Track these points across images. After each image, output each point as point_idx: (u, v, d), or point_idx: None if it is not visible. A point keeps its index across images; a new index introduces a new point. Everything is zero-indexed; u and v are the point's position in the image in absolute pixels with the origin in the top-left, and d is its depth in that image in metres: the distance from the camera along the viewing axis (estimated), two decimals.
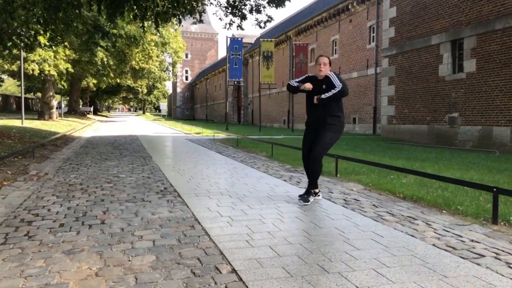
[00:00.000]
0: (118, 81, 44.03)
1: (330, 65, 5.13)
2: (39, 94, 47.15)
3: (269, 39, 25.20)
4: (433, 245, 3.30)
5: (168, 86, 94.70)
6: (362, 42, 24.58)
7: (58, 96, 54.78)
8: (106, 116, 62.95)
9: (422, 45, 15.33)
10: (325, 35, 28.94)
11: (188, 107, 77.03)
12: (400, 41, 16.54)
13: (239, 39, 23.01)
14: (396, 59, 16.79)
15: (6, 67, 22.09)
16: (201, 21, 14.44)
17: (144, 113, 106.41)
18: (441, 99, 14.56)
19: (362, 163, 6.78)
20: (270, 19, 13.63)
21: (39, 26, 14.00)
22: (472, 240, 3.47)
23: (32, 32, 14.08)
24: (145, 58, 28.86)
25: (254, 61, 42.44)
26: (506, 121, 12.17)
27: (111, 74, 36.72)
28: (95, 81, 40.55)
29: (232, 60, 22.31)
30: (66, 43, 21.00)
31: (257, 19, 13.59)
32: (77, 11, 14.04)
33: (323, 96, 4.79)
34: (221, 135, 18.97)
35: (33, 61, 20.48)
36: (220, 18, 14.67)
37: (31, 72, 20.70)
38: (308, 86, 4.91)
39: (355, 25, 25.28)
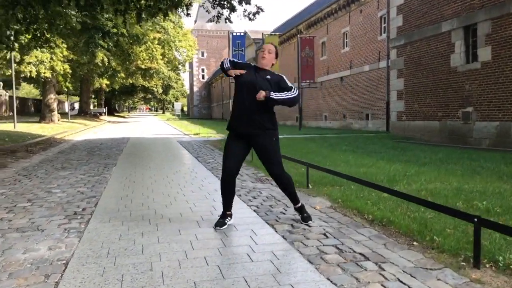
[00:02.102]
0: (131, 81, 43.72)
1: (276, 57, 4.04)
2: (59, 96, 47.36)
3: (272, 33, 24.03)
4: None
5: (186, 86, 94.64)
6: (373, 33, 23.15)
7: (72, 98, 55.03)
8: (123, 117, 62.91)
9: (431, 33, 13.93)
10: (335, 28, 27.59)
11: (205, 106, 76.50)
12: (409, 30, 15.15)
13: (242, 34, 21.92)
14: (405, 49, 15.41)
15: (2, 71, 21.63)
16: (188, 15, 13.48)
17: (163, 112, 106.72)
18: (453, 92, 13.15)
19: (330, 173, 5.65)
20: (260, 10, 12.56)
21: (19, 25, 13.33)
22: None
23: (13, 32, 13.40)
24: (149, 57, 28.13)
25: None
26: None
27: (122, 75, 36.36)
28: (107, 82, 40.31)
29: (235, 56, 21.20)
30: (63, 44, 20.45)
31: (246, 10, 12.51)
32: (58, 8, 13.28)
33: (274, 95, 3.69)
34: (219, 136, 17.98)
35: (29, 63, 19.97)
36: (207, 11, 13.58)
37: (28, 74, 20.18)
38: (235, 72, 3.84)
39: (365, 16, 23.86)
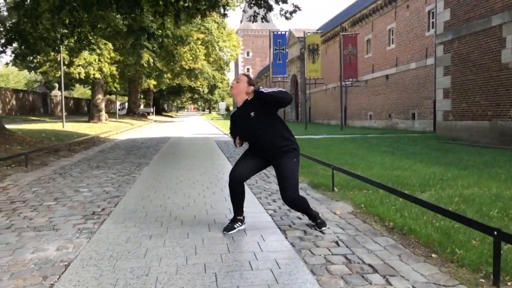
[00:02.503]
0: (178, 82, 44.71)
1: (250, 84, 3.70)
2: (110, 97, 49.37)
3: (315, 32, 23.62)
4: None
5: None
6: (420, 29, 22.20)
7: (123, 98, 57.05)
8: (171, 117, 64.46)
9: (481, 28, 13.09)
10: (381, 24, 26.72)
11: None
12: (456, 24, 14.34)
13: (283, 32, 21.73)
14: (452, 45, 14.61)
15: (52, 73, 22.73)
16: (225, 15, 13.51)
17: (210, 112, 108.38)
18: (505, 90, 12.29)
19: (352, 176, 5.39)
20: (297, 8, 12.33)
21: (64, 29, 13.92)
22: None
23: (58, 36, 14.02)
24: (192, 57, 28.58)
25: None
26: None
27: (169, 75, 37.24)
28: (154, 82, 41.43)
29: (276, 56, 21.07)
30: (106, 46, 21.18)
31: (282, 9, 12.34)
32: (100, 12, 13.75)
33: (262, 89, 3.54)
34: None
35: (78, 65, 20.85)
36: (244, 10, 13.54)
37: (77, 76, 21.09)
38: (238, 142, 3.80)
39: (412, 11, 22.92)
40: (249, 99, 3.64)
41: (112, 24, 18.70)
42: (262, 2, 12.61)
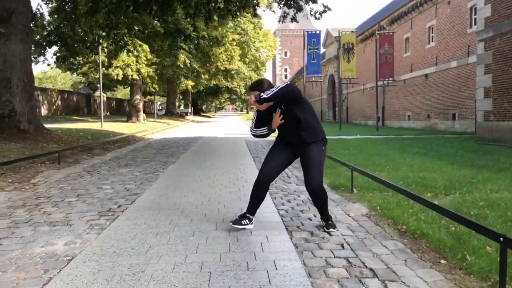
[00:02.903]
0: (215, 82, 45.22)
1: (261, 90, 3.70)
2: (149, 97, 50.70)
3: (350, 31, 23.19)
4: None
5: None
6: (462, 26, 21.32)
7: (161, 99, 58.29)
8: (208, 117, 65.33)
9: None
10: (420, 22, 25.89)
11: None
12: (497, 20, 13.67)
13: (317, 32, 21.48)
14: (493, 42, 13.93)
15: (92, 74, 23.55)
16: (255, 15, 13.52)
17: (247, 112, 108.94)
18: None
19: (370, 178, 5.22)
20: (326, 9, 12.16)
21: (101, 31, 14.41)
22: None
23: (96, 37, 14.52)
24: (227, 58, 28.82)
25: None
26: None
27: (206, 76, 37.76)
28: (192, 83, 42.11)
29: (310, 55, 20.87)
30: (142, 47, 21.72)
31: (312, 9, 12.20)
32: (136, 14, 14.12)
33: (263, 94, 3.54)
34: None
35: (116, 66, 21.51)
36: (273, 11, 13.52)
37: (115, 77, 21.76)
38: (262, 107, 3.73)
39: (453, 7, 22.06)
40: (254, 101, 3.63)
41: (149, 26, 19.20)
42: (292, 2, 12.53)
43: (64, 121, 23.05)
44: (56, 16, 14.80)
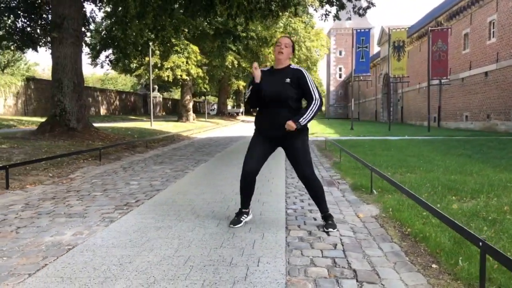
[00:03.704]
0: None
1: (293, 51, 3.83)
2: (209, 98, 51.98)
3: (401, 28, 22.37)
4: None
5: (324, 85, 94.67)
6: None
7: (213, 99, 59.38)
8: None
9: None
10: (480, 16, 24.48)
11: (341, 105, 75.41)
12: None
13: (366, 30, 20.96)
14: None
15: (146, 76, 24.52)
16: (296, 14, 13.46)
17: None
18: None
19: (381, 178, 5.06)
20: (370, 4, 11.86)
21: (150, 33, 15.02)
22: None
23: (145, 39, 15.15)
24: None
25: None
26: None
27: None
28: (243, 84, 42.67)
29: (359, 54, 20.40)
30: (196, 49, 22.30)
31: (355, 6, 11.94)
32: (182, 16, 14.58)
33: (301, 120, 3.55)
34: (335, 136, 17.53)
35: (167, 68, 22.28)
36: (315, 9, 13.38)
37: (166, 78, 22.55)
38: (257, 74, 3.66)
39: None
40: (295, 128, 3.55)
41: (198, 27, 19.72)
42: (334, 0, 12.35)
43: (120, 120, 24.23)
44: (108, 20, 15.64)
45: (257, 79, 3.65)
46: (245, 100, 3.86)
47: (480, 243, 2.26)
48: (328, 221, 3.76)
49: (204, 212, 4.44)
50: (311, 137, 16.97)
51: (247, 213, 3.89)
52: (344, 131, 21.63)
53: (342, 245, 3.33)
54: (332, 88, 76.00)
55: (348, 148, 9.47)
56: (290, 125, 3.51)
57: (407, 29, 23.02)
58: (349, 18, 13.69)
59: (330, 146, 11.87)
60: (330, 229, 3.66)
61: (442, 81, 20.24)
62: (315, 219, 4.11)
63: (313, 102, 3.61)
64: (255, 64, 3.77)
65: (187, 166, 8.21)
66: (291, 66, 3.75)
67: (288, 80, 3.64)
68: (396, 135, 17.29)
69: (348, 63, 73.44)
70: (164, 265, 2.89)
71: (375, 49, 72.21)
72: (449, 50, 22.15)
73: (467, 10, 26.02)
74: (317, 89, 3.70)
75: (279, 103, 3.63)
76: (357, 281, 2.63)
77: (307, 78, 3.67)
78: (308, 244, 3.35)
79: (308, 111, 3.59)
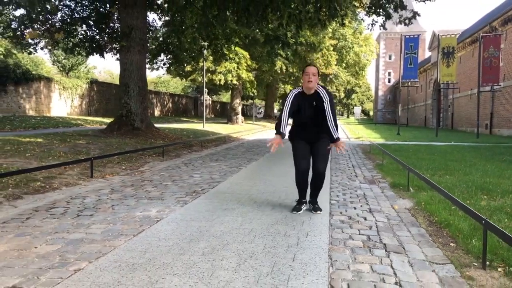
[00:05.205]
0: None
1: (318, 75, 4.50)
2: (256, 101, 53.17)
3: (451, 34, 22.25)
4: None
5: (373, 90, 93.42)
6: None
7: (257, 101, 60.29)
8: None
9: None
10: None
11: (390, 111, 74.07)
12: None
13: (415, 36, 21.09)
14: None
15: (199, 80, 25.83)
16: (343, 24, 14.04)
17: (348, 116, 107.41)
18: None
19: (414, 175, 5.64)
20: (416, 14, 12.28)
21: (203, 42, 16.13)
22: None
23: (199, 47, 16.29)
24: (324, 63, 29.37)
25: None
26: None
27: None
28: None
29: (407, 59, 20.60)
30: (246, 55, 23.31)
31: (401, 15, 12.39)
32: (233, 25, 15.57)
33: (337, 135, 4.42)
34: (380, 140, 17.87)
35: (219, 72, 23.45)
36: (362, 19, 13.90)
37: (218, 82, 23.73)
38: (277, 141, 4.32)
39: None
40: (314, 103, 4.39)
41: (249, 35, 20.70)
42: (380, 11, 12.85)
43: (173, 122, 25.69)
44: (166, 28, 16.94)
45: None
46: (276, 122, 4.55)
47: (483, 221, 2.90)
48: (315, 205, 4.57)
49: (259, 199, 5.24)
50: (356, 141, 17.53)
51: (306, 203, 4.66)
52: (390, 136, 21.83)
53: (377, 227, 4.02)
54: (380, 92, 74.90)
55: (392, 152, 9.99)
56: (342, 146, 4.43)
57: (457, 35, 22.86)
58: (384, 27, 14.10)
59: (375, 149, 12.36)
60: (318, 212, 4.46)
61: (494, 87, 19.96)
62: (355, 208, 4.81)
63: (330, 118, 4.36)
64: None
65: (240, 164, 9.08)
66: (317, 90, 4.41)
67: (314, 103, 4.40)
68: (443, 141, 17.39)
69: (397, 68, 72.30)
70: (233, 233, 3.71)
71: (426, 53, 70.60)
72: (505, 55, 21.78)
73: None
74: (331, 99, 4.41)
75: (311, 121, 4.47)
76: (386, 251, 3.32)
77: (322, 94, 4.38)
78: (348, 225, 4.07)
79: (333, 128, 4.37)
